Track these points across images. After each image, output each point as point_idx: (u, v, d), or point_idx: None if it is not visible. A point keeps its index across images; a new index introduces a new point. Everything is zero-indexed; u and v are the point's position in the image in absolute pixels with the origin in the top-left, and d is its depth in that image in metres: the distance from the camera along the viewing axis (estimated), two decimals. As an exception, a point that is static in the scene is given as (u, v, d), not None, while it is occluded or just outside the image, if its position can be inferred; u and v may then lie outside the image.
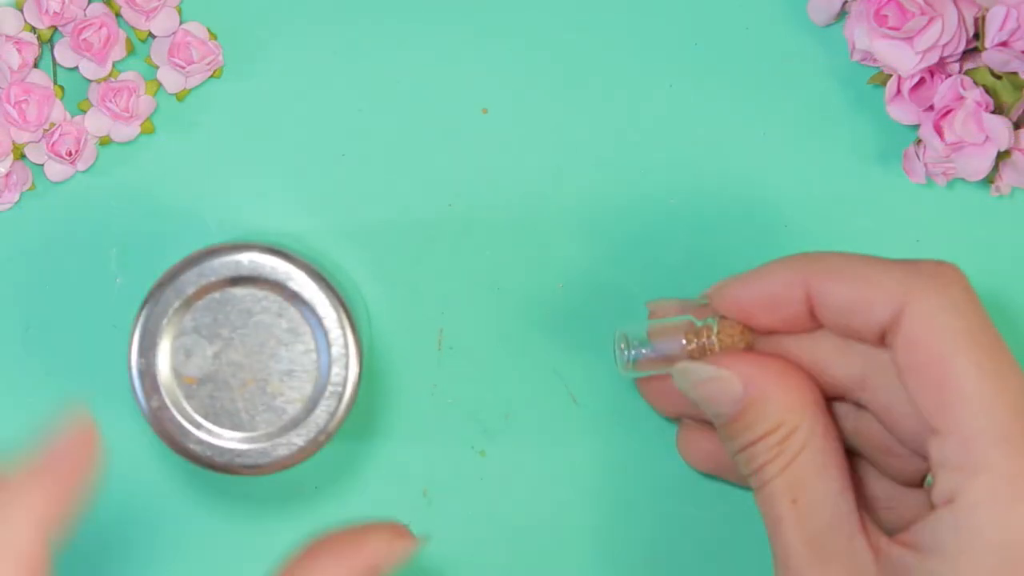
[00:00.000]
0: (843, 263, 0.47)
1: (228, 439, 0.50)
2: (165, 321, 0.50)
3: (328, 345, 0.50)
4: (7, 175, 0.58)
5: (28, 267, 0.59)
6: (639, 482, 0.59)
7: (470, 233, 0.59)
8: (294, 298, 0.50)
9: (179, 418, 0.50)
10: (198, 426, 0.50)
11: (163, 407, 0.50)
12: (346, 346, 0.50)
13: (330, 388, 0.50)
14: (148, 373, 0.50)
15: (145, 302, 0.50)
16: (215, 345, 0.50)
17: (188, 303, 0.50)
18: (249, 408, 0.50)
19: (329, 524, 0.58)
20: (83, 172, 0.59)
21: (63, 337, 0.59)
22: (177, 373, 0.50)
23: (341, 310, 0.50)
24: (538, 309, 0.59)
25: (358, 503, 0.59)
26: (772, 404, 0.47)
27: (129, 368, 0.50)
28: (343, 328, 0.50)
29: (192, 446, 0.50)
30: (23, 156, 0.59)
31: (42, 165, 0.59)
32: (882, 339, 0.46)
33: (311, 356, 0.50)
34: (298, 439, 0.50)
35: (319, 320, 0.50)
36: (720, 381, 0.47)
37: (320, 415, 0.50)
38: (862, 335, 0.47)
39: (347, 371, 0.50)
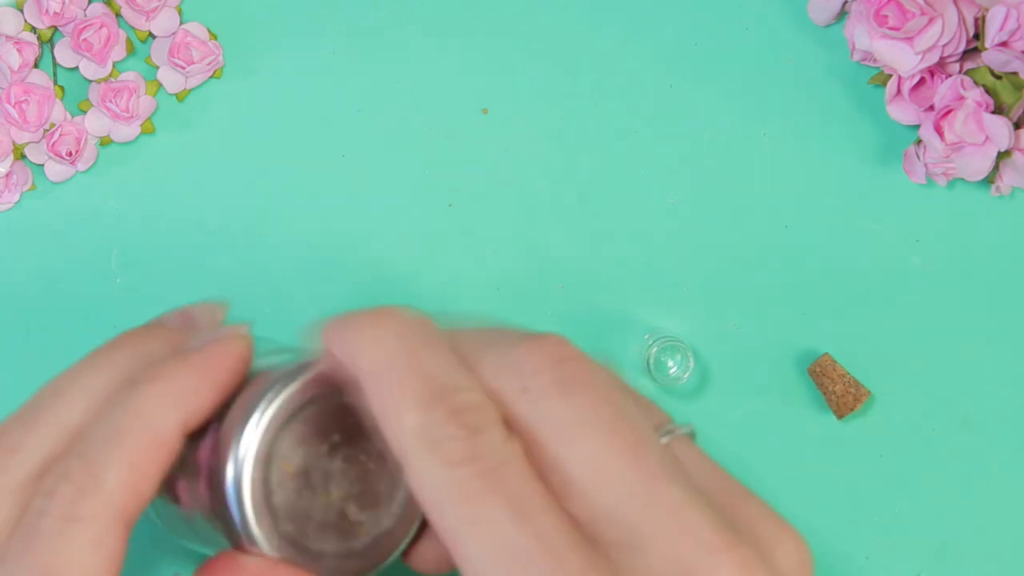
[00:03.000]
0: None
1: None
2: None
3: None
4: (7, 175, 0.58)
5: (28, 267, 0.59)
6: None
7: (470, 233, 0.59)
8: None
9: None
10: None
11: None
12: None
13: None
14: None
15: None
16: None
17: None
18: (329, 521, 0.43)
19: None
20: (83, 172, 0.59)
21: (63, 337, 0.59)
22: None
23: None
24: (538, 309, 0.59)
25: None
26: None
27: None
28: None
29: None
30: (23, 156, 0.59)
31: (42, 165, 0.59)
32: None
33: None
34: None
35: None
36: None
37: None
38: None
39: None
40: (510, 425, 0.40)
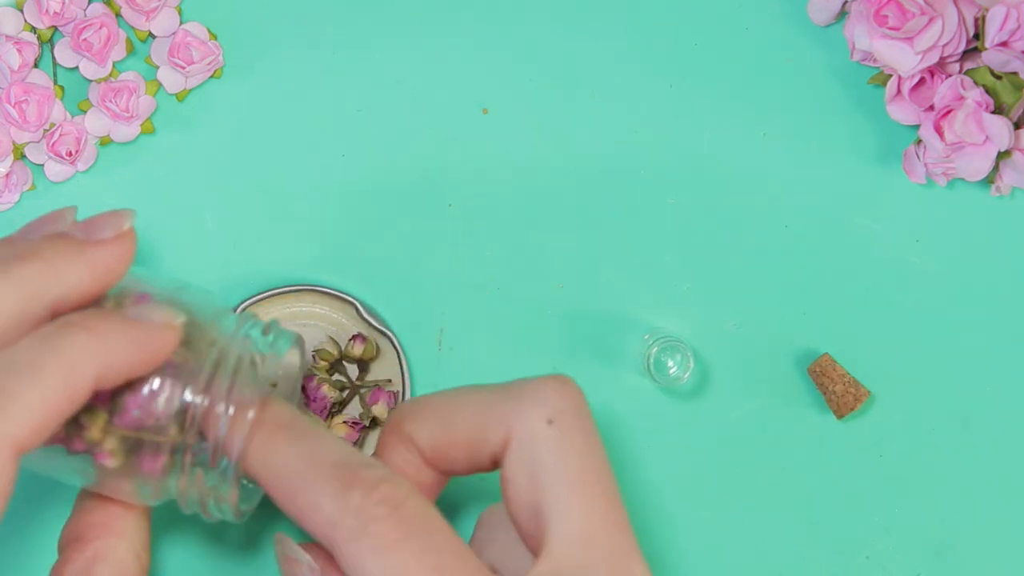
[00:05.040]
0: (295, 472, 0.44)
1: None
2: None
3: None
4: (7, 175, 0.58)
5: (28, 267, 0.59)
6: (637, 481, 0.59)
7: (470, 233, 0.59)
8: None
9: None
10: None
11: None
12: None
13: None
14: None
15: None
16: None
17: None
18: None
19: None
20: (83, 172, 0.59)
21: (63, 337, 0.59)
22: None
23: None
24: (538, 309, 0.59)
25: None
26: None
27: None
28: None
29: None
30: (23, 156, 0.59)
31: (42, 165, 0.59)
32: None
33: None
34: None
35: None
36: (299, 564, 0.47)
37: None
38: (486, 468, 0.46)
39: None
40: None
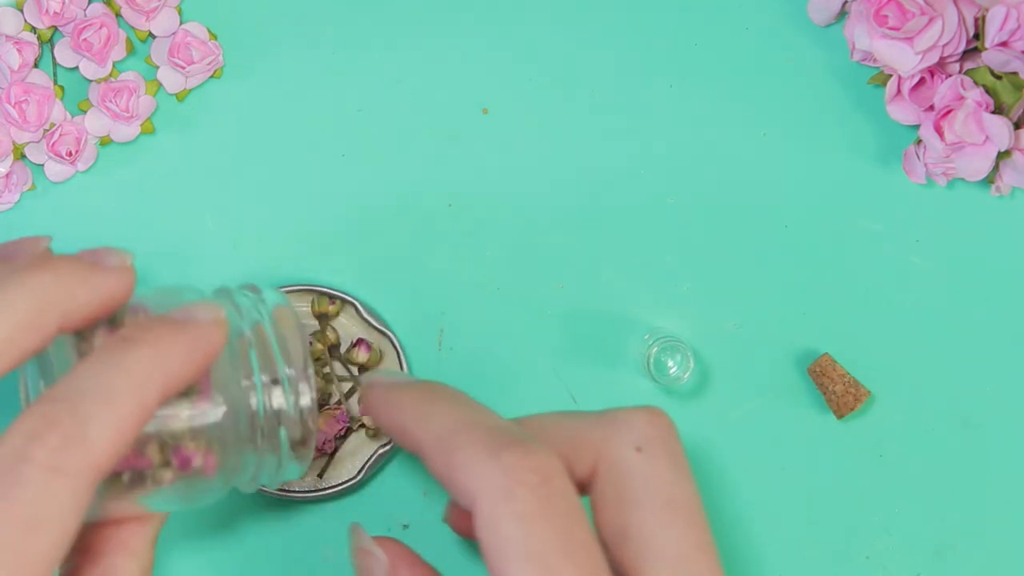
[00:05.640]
0: (447, 430, 0.45)
1: None
2: None
3: None
4: (7, 175, 0.58)
5: (28, 267, 0.59)
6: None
7: (470, 233, 0.59)
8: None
9: None
10: None
11: None
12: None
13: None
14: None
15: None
16: None
17: None
18: None
19: (328, 523, 0.58)
20: (83, 172, 0.59)
21: (63, 337, 0.59)
22: None
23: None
24: (538, 309, 0.59)
25: (359, 502, 0.59)
26: None
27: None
28: None
29: None
30: (23, 156, 0.59)
31: (42, 165, 0.59)
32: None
33: None
34: None
35: None
36: (372, 556, 0.47)
37: None
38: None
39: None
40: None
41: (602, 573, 0.42)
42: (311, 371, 0.48)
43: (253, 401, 0.47)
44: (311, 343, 0.58)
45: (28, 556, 0.39)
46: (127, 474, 0.45)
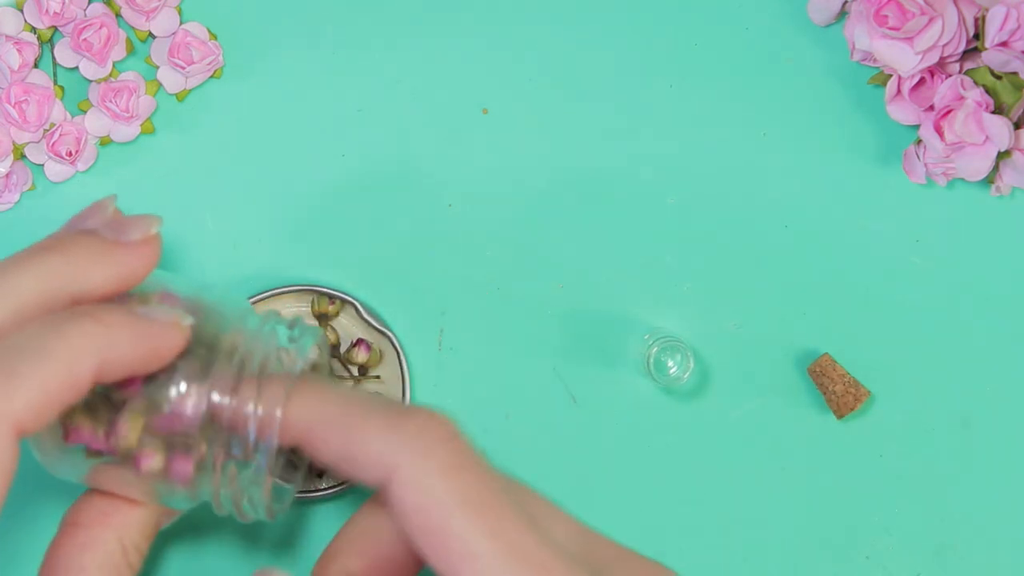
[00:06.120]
0: (334, 416, 0.45)
1: None
2: None
3: None
4: (7, 175, 0.58)
5: (28, 267, 0.59)
6: (637, 481, 0.59)
7: (470, 233, 0.59)
8: None
9: None
10: None
11: None
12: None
13: None
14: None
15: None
16: None
17: None
18: None
19: (328, 523, 0.58)
20: (83, 172, 0.59)
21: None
22: None
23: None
24: (538, 309, 0.59)
25: (358, 502, 0.59)
26: None
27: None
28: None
29: None
30: (23, 156, 0.59)
31: (42, 165, 0.59)
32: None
33: None
34: None
35: None
36: None
37: None
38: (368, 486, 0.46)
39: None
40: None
41: (520, 511, 0.43)
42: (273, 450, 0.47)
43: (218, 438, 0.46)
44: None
45: None
46: (103, 455, 0.45)
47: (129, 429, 0.45)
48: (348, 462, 0.44)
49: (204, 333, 0.46)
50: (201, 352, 0.46)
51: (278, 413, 0.45)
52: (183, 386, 0.45)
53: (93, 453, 0.45)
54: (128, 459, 0.45)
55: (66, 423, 0.45)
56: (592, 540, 0.46)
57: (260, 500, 0.47)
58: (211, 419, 0.45)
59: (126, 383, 0.45)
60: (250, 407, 0.45)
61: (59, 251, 0.44)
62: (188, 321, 0.45)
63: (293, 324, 0.48)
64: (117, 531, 0.47)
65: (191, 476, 0.46)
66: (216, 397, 0.45)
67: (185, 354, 0.45)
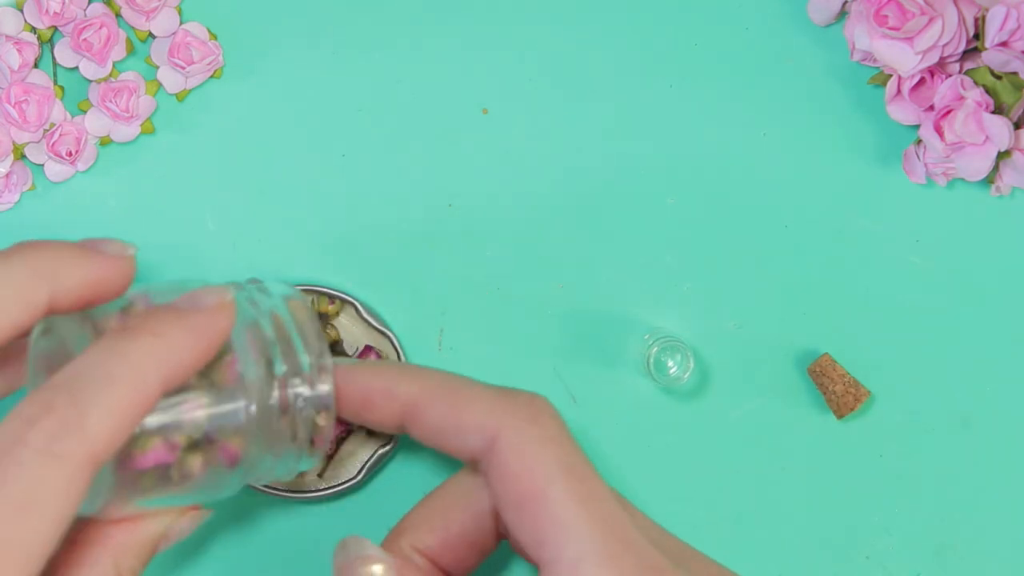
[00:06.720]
0: (440, 386, 0.46)
1: None
2: None
3: None
4: (7, 175, 0.58)
5: (28, 267, 0.59)
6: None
7: (470, 233, 0.59)
8: None
9: None
10: None
11: None
12: None
13: None
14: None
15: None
16: None
17: None
18: None
19: (328, 520, 0.58)
20: (83, 172, 0.59)
21: (63, 337, 0.59)
22: None
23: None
24: (538, 309, 0.59)
25: (359, 502, 0.59)
26: None
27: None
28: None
29: None
30: (23, 156, 0.59)
31: (42, 165, 0.59)
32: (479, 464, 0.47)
33: None
34: None
35: None
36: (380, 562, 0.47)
37: None
38: (461, 458, 0.47)
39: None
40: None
41: (611, 489, 0.44)
42: (328, 360, 0.48)
43: (276, 392, 0.47)
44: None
45: (20, 537, 0.39)
46: (153, 470, 0.45)
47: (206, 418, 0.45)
48: (451, 430, 0.45)
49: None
50: (247, 337, 0.47)
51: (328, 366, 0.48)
52: (253, 369, 0.46)
53: (159, 470, 0.45)
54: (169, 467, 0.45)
55: (132, 450, 0.44)
56: (666, 535, 0.47)
57: (305, 457, 0.49)
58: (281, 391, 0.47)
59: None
60: (308, 360, 0.48)
61: (44, 248, 0.44)
62: (230, 296, 0.45)
63: (253, 282, 0.50)
64: (114, 553, 0.47)
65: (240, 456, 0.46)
66: (280, 367, 0.47)
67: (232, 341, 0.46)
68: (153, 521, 0.48)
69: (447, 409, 0.45)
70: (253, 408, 0.46)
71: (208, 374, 0.45)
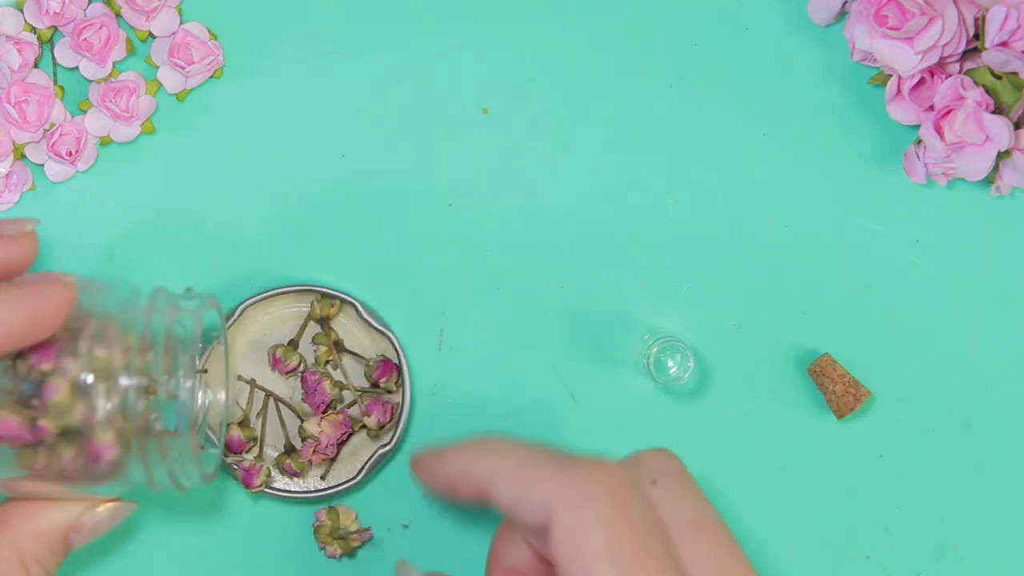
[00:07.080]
0: (511, 463, 0.46)
1: None
2: None
3: None
4: (7, 175, 0.58)
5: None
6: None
7: (470, 233, 0.59)
8: None
9: None
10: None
11: None
12: None
13: None
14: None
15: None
16: None
17: None
18: None
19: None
20: (83, 172, 0.59)
21: (63, 337, 0.59)
22: None
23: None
24: (538, 309, 0.59)
25: (359, 502, 0.59)
26: None
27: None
28: None
29: None
30: (23, 156, 0.59)
31: (42, 165, 0.59)
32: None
33: None
34: None
35: None
36: None
37: None
38: (533, 533, 0.46)
39: None
40: None
41: (668, 571, 0.43)
42: (190, 385, 0.49)
43: (138, 401, 0.47)
44: (315, 348, 0.58)
45: None
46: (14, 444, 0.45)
47: (58, 390, 0.45)
48: (521, 508, 0.44)
49: (97, 311, 0.47)
50: (102, 328, 0.47)
51: (197, 379, 0.48)
52: (89, 376, 0.46)
53: (20, 444, 0.45)
54: (68, 437, 0.46)
55: None
56: None
57: (193, 469, 0.49)
58: (127, 401, 0.46)
59: (34, 367, 0.45)
60: (164, 378, 0.47)
61: None
62: (71, 279, 0.46)
63: (187, 295, 0.50)
64: (13, 540, 0.47)
65: (114, 461, 0.46)
66: (124, 380, 0.46)
67: (88, 331, 0.46)
68: (57, 509, 0.47)
69: (513, 490, 0.45)
70: (109, 406, 0.46)
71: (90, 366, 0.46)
